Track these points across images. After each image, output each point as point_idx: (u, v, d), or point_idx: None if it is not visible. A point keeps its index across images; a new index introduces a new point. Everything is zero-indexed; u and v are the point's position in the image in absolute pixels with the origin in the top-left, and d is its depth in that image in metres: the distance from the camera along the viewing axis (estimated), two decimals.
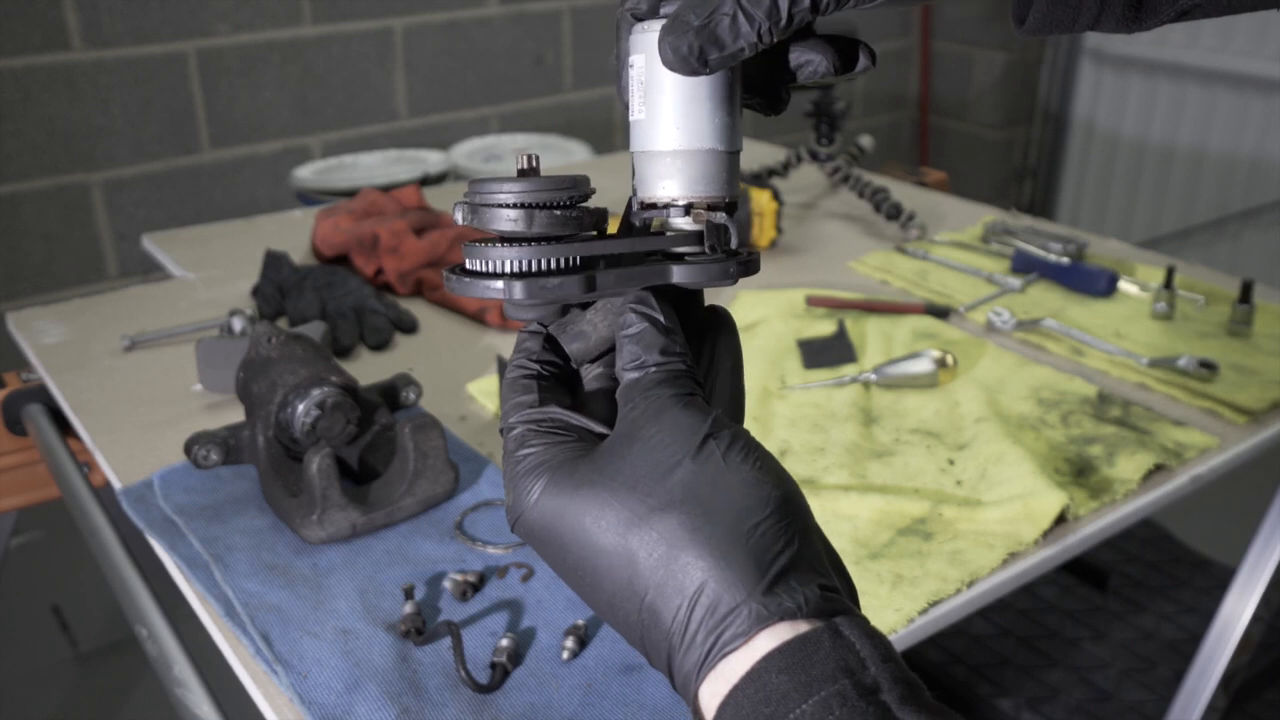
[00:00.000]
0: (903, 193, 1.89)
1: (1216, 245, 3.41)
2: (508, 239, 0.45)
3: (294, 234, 1.63)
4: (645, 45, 0.45)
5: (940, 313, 1.40)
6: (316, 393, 0.95)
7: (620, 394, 0.44)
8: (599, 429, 0.45)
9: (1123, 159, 3.59)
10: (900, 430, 1.13)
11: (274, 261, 1.42)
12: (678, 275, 0.46)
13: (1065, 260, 1.50)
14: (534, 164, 0.45)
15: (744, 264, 0.47)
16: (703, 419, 0.42)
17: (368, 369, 1.24)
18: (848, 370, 1.24)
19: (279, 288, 1.38)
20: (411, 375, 1.08)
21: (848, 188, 1.79)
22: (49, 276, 2.39)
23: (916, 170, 2.16)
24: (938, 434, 1.12)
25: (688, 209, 0.47)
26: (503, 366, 1.14)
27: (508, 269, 0.44)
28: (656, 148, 0.46)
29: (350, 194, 2.03)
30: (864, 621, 0.39)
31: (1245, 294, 1.36)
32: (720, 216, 0.47)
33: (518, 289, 0.44)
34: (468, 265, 0.46)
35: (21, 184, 2.30)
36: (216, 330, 1.29)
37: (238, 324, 1.27)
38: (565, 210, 0.45)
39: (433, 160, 2.54)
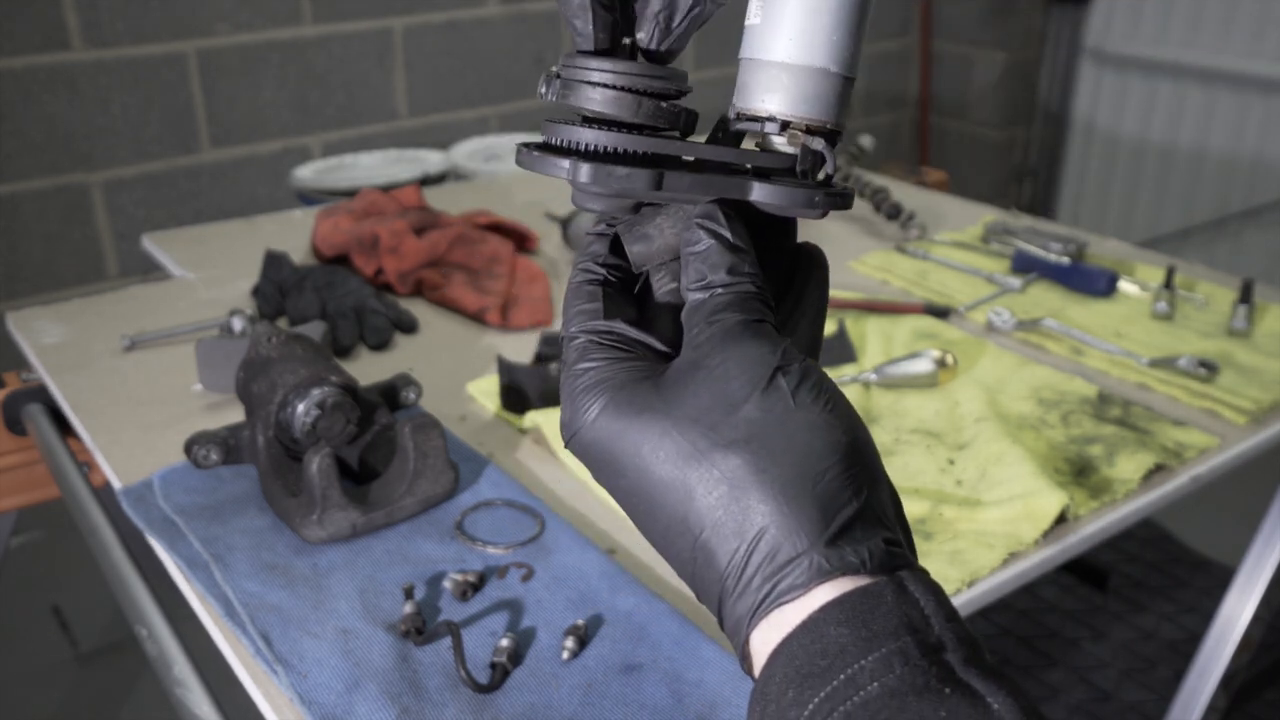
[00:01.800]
0: (903, 193, 1.89)
1: (1216, 245, 3.41)
2: (588, 120, 0.42)
3: (294, 234, 1.63)
4: None
5: (940, 313, 1.40)
6: (316, 393, 0.95)
7: (685, 315, 0.42)
8: (665, 349, 0.43)
9: (1123, 159, 3.59)
10: (900, 430, 1.13)
11: (274, 261, 1.42)
12: (756, 193, 0.43)
13: (1065, 260, 1.50)
14: (630, 51, 0.43)
15: (833, 196, 0.43)
16: (772, 350, 0.39)
17: (368, 369, 1.24)
18: (848, 370, 1.24)
19: (279, 288, 1.38)
20: (411, 375, 1.08)
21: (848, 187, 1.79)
22: (49, 276, 2.39)
23: (916, 170, 2.16)
24: (938, 434, 1.12)
25: (785, 126, 0.43)
26: (503, 366, 1.14)
27: (579, 147, 0.42)
28: (765, 56, 0.42)
29: (350, 194, 2.03)
30: (928, 577, 0.37)
31: (1245, 294, 1.36)
32: (818, 142, 0.43)
33: (584, 171, 0.41)
34: (542, 140, 0.43)
35: (21, 184, 2.30)
36: (216, 330, 1.29)
37: (238, 324, 1.27)
38: (651, 99, 0.42)
39: (433, 160, 2.54)
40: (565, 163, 0.41)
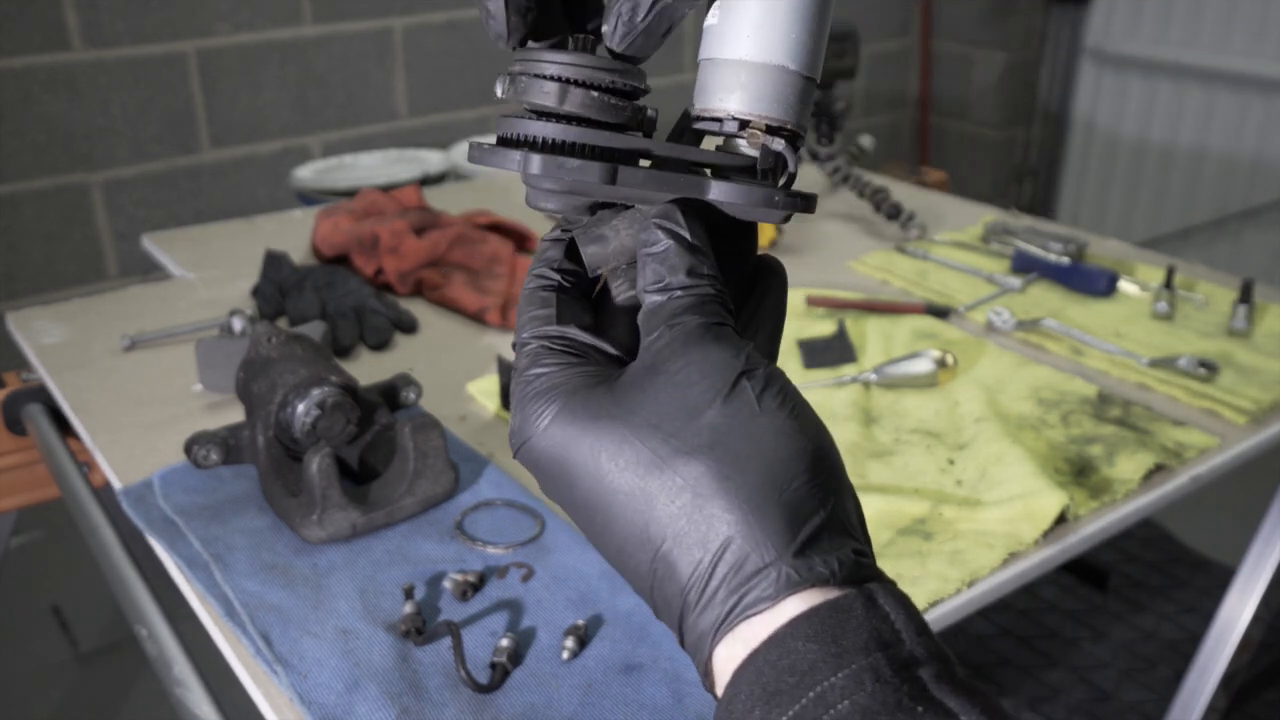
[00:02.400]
0: (903, 193, 1.89)
1: (1216, 245, 3.41)
2: (540, 113, 0.41)
3: (294, 234, 1.63)
4: None
5: (940, 313, 1.40)
6: (316, 393, 0.95)
7: (642, 319, 0.41)
8: (620, 355, 0.42)
9: (1123, 159, 3.59)
10: (900, 430, 1.13)
11: (274, 261, 1.42)
12: (715, 191, 0.42)
13: (1065, 260, 1.50)
14: (587, 45, 0.42)
15: (794, 197, 0.42)
16: (735, 354, 0.38)
17: (368, 369, 1.24)
18: (848, 370, 1.24)
19: (279, 288, 1.38)
20: (411, 375, 1.08)
21: (848, 188, 1.79)
22: (49, 276, 2.39)
23: (916, 170, 2.16)
24: (938, 434, 1.12)
25: (744, 125, 0.42)
26: (503, 366, 1.14)
27: (529, 139, 0.41)
28: (724, 55, 0.42)
29: (350, 194, 2.03)
30: (896, 589, 0.36)
31: (1245, 294, 1.36)
32: (778, 143, 0.42)
33: (535, 163, 0.40)
34: (496, 135, 0.42)
35: (21, 184, 2.30)
36: (216, 330, 1.29)
37: (238, 324, 1.27)
38: (606, 95, 0.41)
39: (433, 160, 2.54)
40: (517, 154, 0.40)
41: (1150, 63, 3.43)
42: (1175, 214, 3.49)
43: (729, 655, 0.36)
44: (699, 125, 0.43)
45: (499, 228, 1.58)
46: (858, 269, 1.56)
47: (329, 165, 2.54)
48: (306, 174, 2.46)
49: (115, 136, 2.38)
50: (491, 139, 0.44)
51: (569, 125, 0.41)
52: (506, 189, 1.89)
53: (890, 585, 0.36)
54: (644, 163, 0.43)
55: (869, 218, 1.77)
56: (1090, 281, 1.45)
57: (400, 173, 2.43)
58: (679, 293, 0.40)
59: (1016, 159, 3.81)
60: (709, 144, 0.44)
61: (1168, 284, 1.41)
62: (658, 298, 0.40)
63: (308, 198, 2.35)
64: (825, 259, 1.61)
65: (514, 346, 0.43)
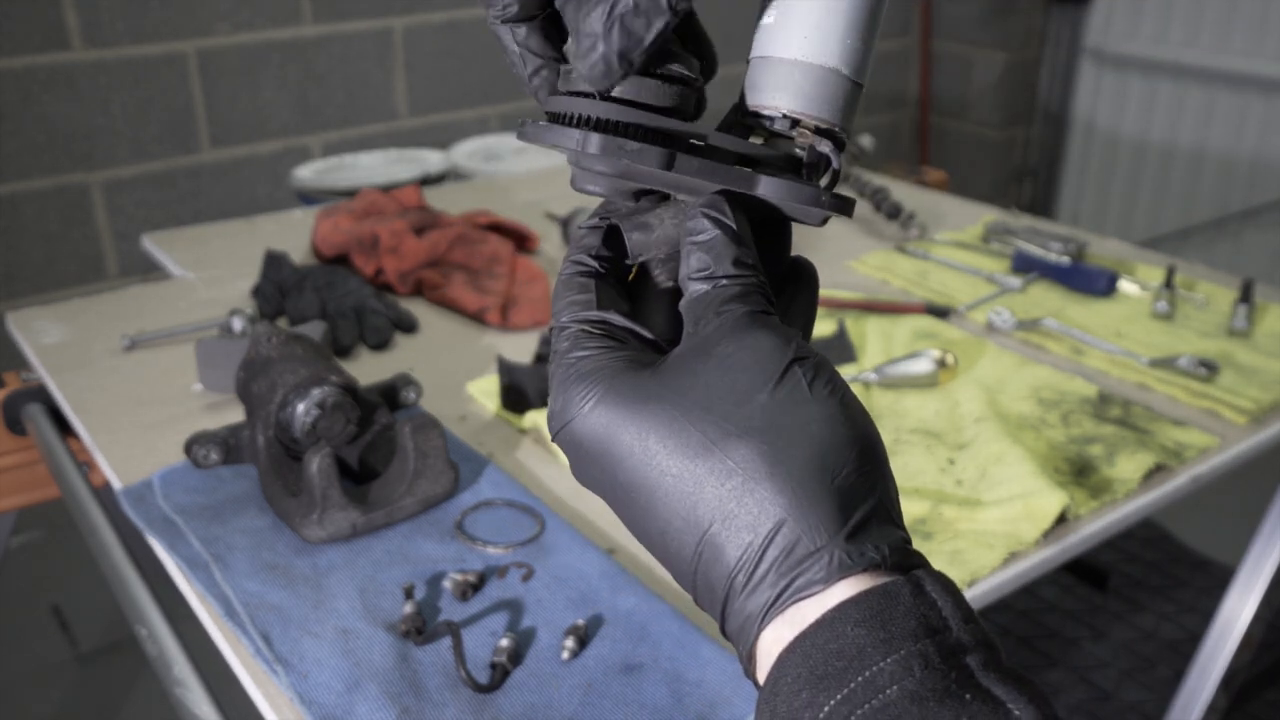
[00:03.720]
0: (903, 192, 1.89)
1: (1216, 245, 3.41)
2: (592, 96, 0.41)
3: (294, 234, 1.63)
4: None
5: (940, 313, 1.40)
6: (316, 393, 0.95)
7: (686, 306, 0.41)
8: (658, 342, 0.42)
9: (1123, 159, 3.59)
10: (900, 430, 1.13)
11: (274, 261, 1.42)
12: (763, 187, 0.42)
13: (1065, 260, 1.50)
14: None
15: (838, 199, 0.43)
16: (785, 343, 0.38)
17: (368, 369, 1.24)
18: (848, 370, 1.24)
19: (279, 288, 1.38)
20: (411, 375, 1.08)
21: (848, 187, 1.79)
22: (49, 276, 2.39)
23: (916, 170, 2.16)
24: (938, 434, 1.12)
25: (794, 124, 0.43)
26: (503, 366, 1.14)
27: (586, 118, 0.40)
28: (779, 54, 0.42)
29: (350, 194, 2.03)
30: (944, 577, 0.36)
31: (1245, 294, 1.36)
32: (825, 144, 0.43)
33: (594, 142, 0.39)
34: (548, 112, 0.42)
35: (21, 184, 2.30)
36: (216, 330, 1.29)
37: (238, 324, 1.27)
38: (666, 82, 0.41)
39: (433, 160, 2.54)
40: (576, 133, 0.40)
41: (1150, 63, 3.43)
42: (1175, 214, 3.49)
43: (775, 638, 0.36)
44: (750, 120, 0.44)
45: (499, 228, 1.58)
46: (858, 269, 1.56)
47: (329, 165, 2.54)
48: (306, 174, 2.46)
49: (115, 136, 2.38)
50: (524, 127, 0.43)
51: (626, 107, 0.40)
52: (507, 189, 1.89)
53: (937, 573, 0.37)
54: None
55: (869, 217, 1.77)
56: (1090, 281, 1.45)
57: (400, 173, 2.43)
58: (724, 281, 0.40)
59: (1016, 159, 3.81)
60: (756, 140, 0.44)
61: (1168, 284, 1.41)
62: (703, 286, 0.40)
63: (308, 198, 2.35)
64: (825, 259, 1.61)
65: (551, 331, 0.43)
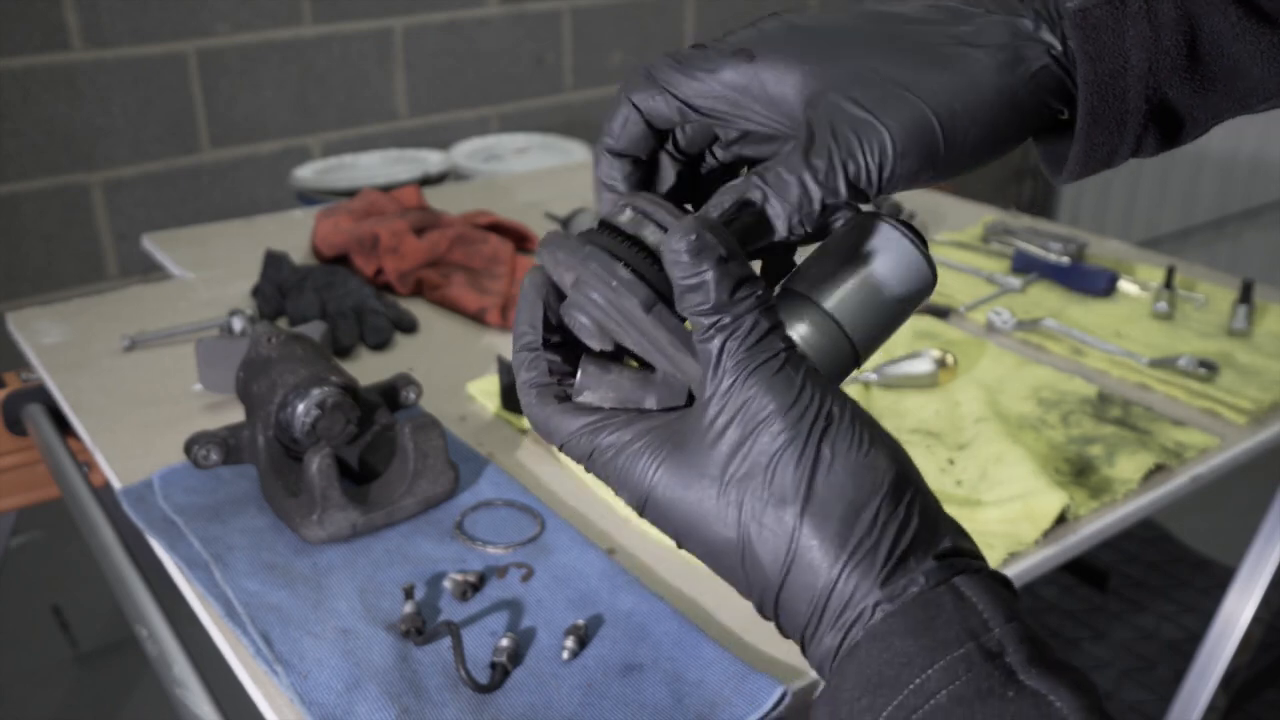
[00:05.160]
0: (903, 193, 1.89)
1: (1216, 245, 3.41)
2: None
3: (294, 234, 1.63)
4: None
5: (940, 313, 1.40)
6: (316, 393, 0.95)
7: (698, 347, 0.41)
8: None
9: None
10: (900, 430, 1.13)
11: (274, 261, 1.42)
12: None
13: (1065, 260, 1.50)
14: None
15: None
16: (806, 401, 0.40)
17: (368, 369, 1.24)
18: None
19: (279, 288, 1.38)
20: (411, 375, 1.08)
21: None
22: (49, 276, 2.39)
23: None
24: (938, 434, 1.12)
25: None
26: (503, 366, 1.14)
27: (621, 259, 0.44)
28: (812, 296, 0.44)
29: (350, 194, 2.03)
30: (984, 579, 0.39)
31: (1245, 294, 1.36)
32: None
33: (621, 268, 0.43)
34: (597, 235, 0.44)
35: (21, 184, 2.30)
36: (216, 330, 1.29)
37: (238, 324, 1.27)
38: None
39: (433, 160, 2.54)
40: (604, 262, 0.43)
41: None
42: (1175, 214, 3.49)
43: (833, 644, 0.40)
44: None
45: (499, 228, 1.58)
46: None
47: (329, 165, 2.54)
48: (306, 174, 2.46)
49: (115, 136, 2.38)
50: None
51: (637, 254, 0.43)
52: (507, 189, 1.89)
53: (978, 575, 0.39)
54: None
55: None
56: (1090, 281, 1.45)
57: (400, 173, 2.43)
58: (729, 326, 0.40)
59: (1016, 159, 3.81)
60: None
61: (1168, 284, 1.41)
62: (709, 336, 0.41)
63: (308, 198, 2.35)
64: None
65: (560, 447, 0.45)
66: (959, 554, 0.40)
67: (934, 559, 0.39)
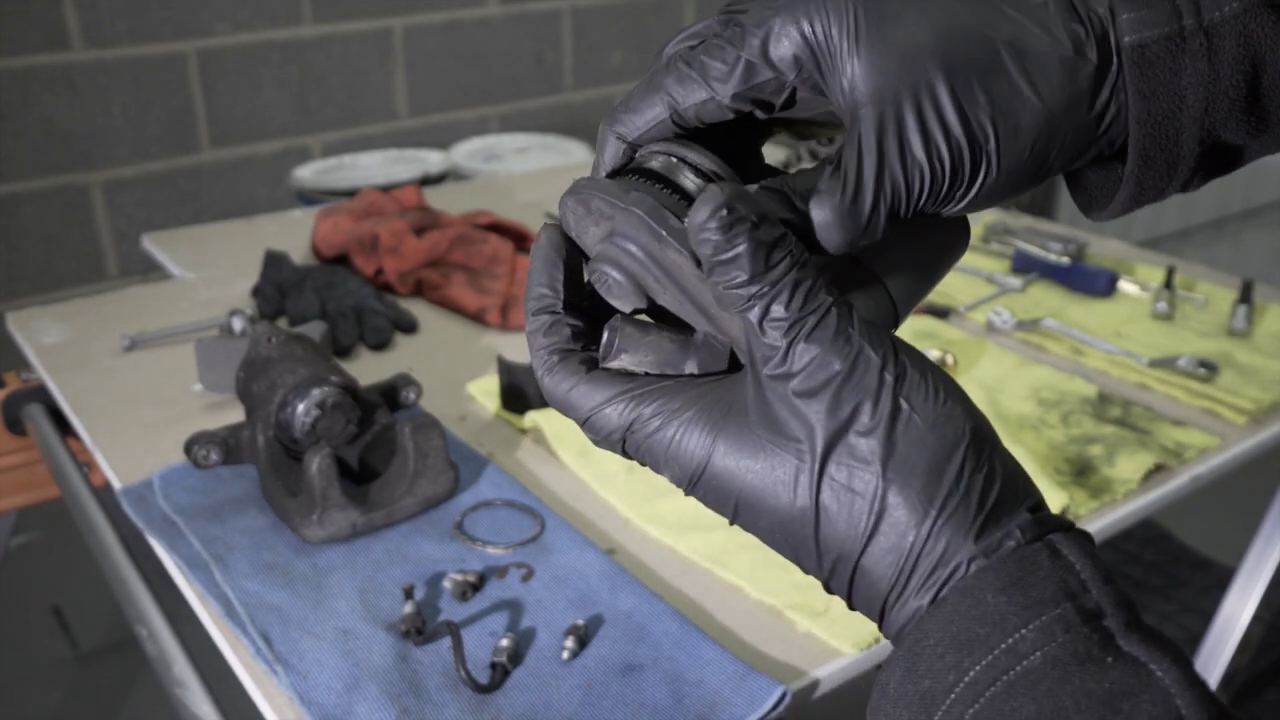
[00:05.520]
0: None
1: (1216, 245, 3.41)
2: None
3: (294, 234, 1.63)
4: None
5: (940, 313, 1.40)
6: (316, 393, 0.95)
7: (742, 318, 0.38)
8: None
9: None
10: None
11: (274, 261, 1.42)
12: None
13: (1065, 260, 1.50)
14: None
15: None
16: (870, 355, 0.37)
17: (368, 369, 1.24)
18: None
19: (279, 288, 1.38)
20: (411, 375, 1.08)
21: None
22: (49, 276, 2.39)
23: None
24: None
25: None
26: (503, 366, 1.14)
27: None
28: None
29: (350, 194, 2.03)
30: (1079, 538, 0.37)
31: (1245, 294, 1.36)
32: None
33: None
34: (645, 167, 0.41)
35: (21, 184, 2.30)
36: (216, 330, 1.29)
37: (238, 324, 1.27)
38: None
39: (433, 160, 2.54)
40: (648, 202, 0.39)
41: None
42: (1175, 214, 3.49)
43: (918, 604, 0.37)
44: None
45: (499, 228, 1.58)
46: None
47: (329, 165, 2.54)
48: (306, 174, 2.46)
49: (115, 136, 2.38)
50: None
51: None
52: (507, 189, 1.89)
53: (1073, 535, 0.37)
54: None
55: None
56: (1090, 281, 1.45)
57: (400, 173, 2.43)
58: (764, 297, 0.37)
59: None
60: None
61: (1168, 284, 1.41)
62: (749, 313, 0.37)
63: (308, 198, 2.35)
64: None
65: (582, 424, 0.42)
66: (1043, 510, 0.38)
67: (1028, 512, 0.37)
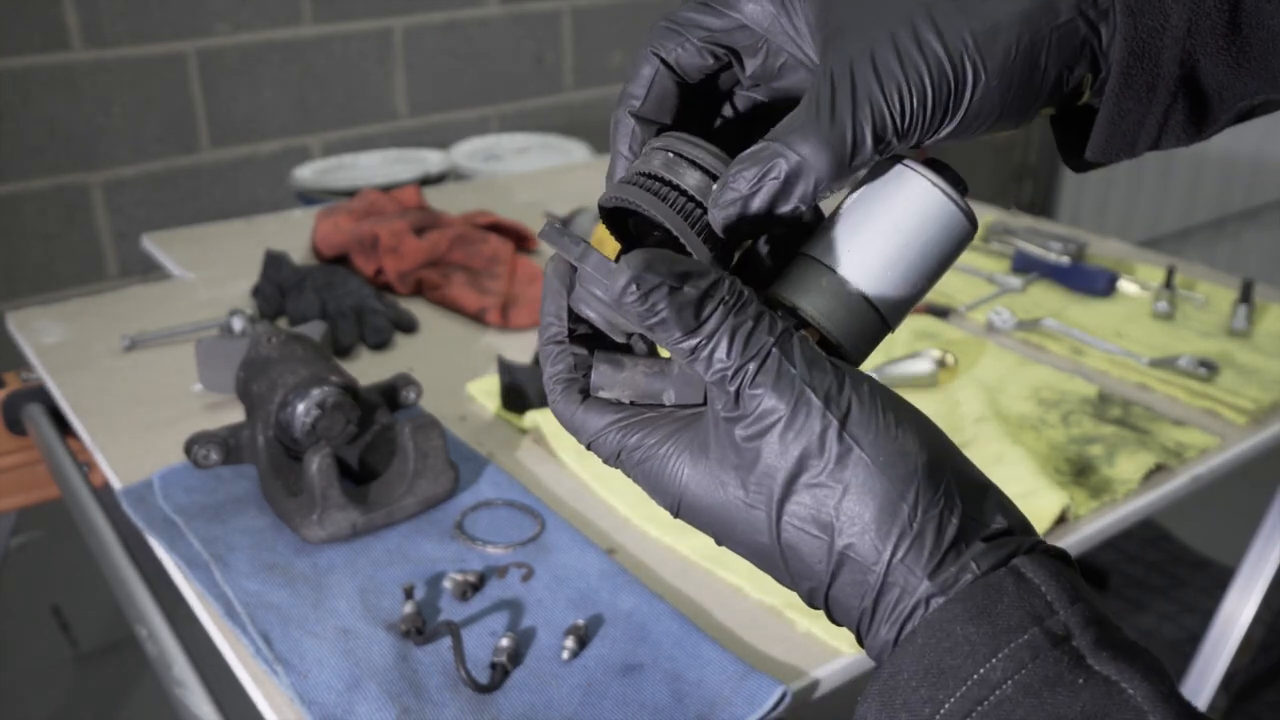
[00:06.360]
0: None
1: (1216, 245, 3.41)
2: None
3: (294, 234, 1.63)
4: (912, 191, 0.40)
5: (940, 313, 1.40)
6: (316, 393, 0.95)
7: (686, 372, 0.41)
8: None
9: None
10: None
11: (274, 261, 1.42)
12: None
13: (1065, 260, 1.50)
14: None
15: None
16: (812, 399, 0.37)
17: (368, 369, 1.24)
18: None
19: (279, 288, 1.38)
20: (411, 375, 1.08)
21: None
22: (49, 276, 2.39)
23: None
24: None
25: (801, 325, 0.41)
26: (503, 366, 1.14)
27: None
28: (824, 259, 0.41)
29: (350, 194, 2.03)
30: (1044, 558, 0.37)
31: (1245, 294, 1.36)
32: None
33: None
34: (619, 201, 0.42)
35: (21, 184, 2.30)
36: (216, 330, 1.29)
37: (238, 324, 1.27)
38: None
39: (433, 160, 2.54)
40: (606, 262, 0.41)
41: None
42: (1175, 214, 3.49)
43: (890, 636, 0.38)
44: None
45: (499, 228, 1.58)
46: None
47: (329, 165, 2.54)
48: (306, 174, 2.46)
49: (115, 136, 2.38)
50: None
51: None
52: (507, 189, 1.89)
53: (1040, 555, 0.37)
54: None
55: None
56: (1090, 281, 1.45)
57: (400, 173, 2.43)
58: (693, 356, 0.38)
59: (1016, 159, 3.81)
60: None
61: (1168, 284, 1.41)
62: (698, 366, 0.38)
63: (308, 198, 2.35)
64: None
65: (588, 446, 0.44)
66: (1009, 533, 0.38)
67: (983, 541, 0.37)
